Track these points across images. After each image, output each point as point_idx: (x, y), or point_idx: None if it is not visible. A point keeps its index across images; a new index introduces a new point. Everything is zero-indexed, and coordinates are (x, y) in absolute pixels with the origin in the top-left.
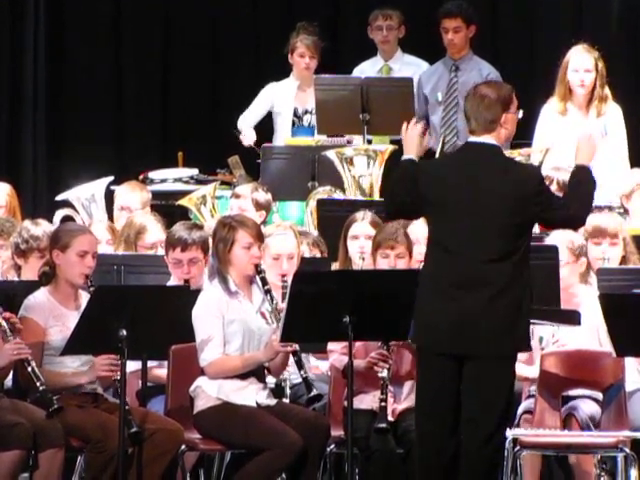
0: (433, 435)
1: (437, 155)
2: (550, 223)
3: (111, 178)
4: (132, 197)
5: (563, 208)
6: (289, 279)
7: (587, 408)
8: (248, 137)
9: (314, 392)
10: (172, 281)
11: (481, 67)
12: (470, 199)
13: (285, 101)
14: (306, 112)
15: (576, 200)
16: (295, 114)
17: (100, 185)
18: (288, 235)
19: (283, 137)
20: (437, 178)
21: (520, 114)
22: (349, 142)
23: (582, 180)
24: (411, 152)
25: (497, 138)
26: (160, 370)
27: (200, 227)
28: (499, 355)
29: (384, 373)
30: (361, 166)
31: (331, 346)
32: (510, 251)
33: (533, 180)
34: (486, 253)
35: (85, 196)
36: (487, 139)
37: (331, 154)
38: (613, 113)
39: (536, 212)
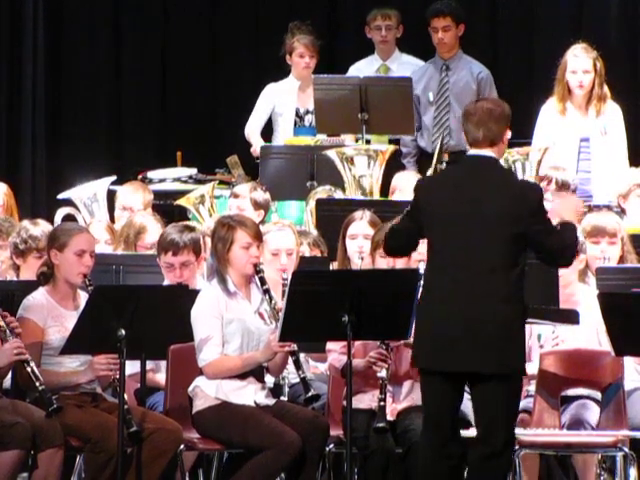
0: (436, 444)
1: (435, 158)
2: (541, 248)
3: (113, 178)
4: (134, 197)
5: (558, 236)
6: (288, 275)
7: (592, 417)
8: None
9: (312, 392)
10: (166, 284)
11: (472, 66)
12: (470, 213)
13: (286, 102)
14: (307, 112)
15: (567, 240)
16: (297, 114)
17: (102, 184)
18: (286, 231)
19: (283, 137)
20: (436, 192)
21: (509, 135)
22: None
23: (568, 229)
24: None
25: (498, 153)
26: (156, 375)
27: (192, 229)
28: (503, 372)
29: (383, 373)
30: (362, 166)
31: (330, 345)
32: (510, 266)
33: (534, 197)
34: (486, 268)
35: (87, 195)
36: (488, 152)
37: (332, 153)
38: (612, 112)
39: (533, 231)
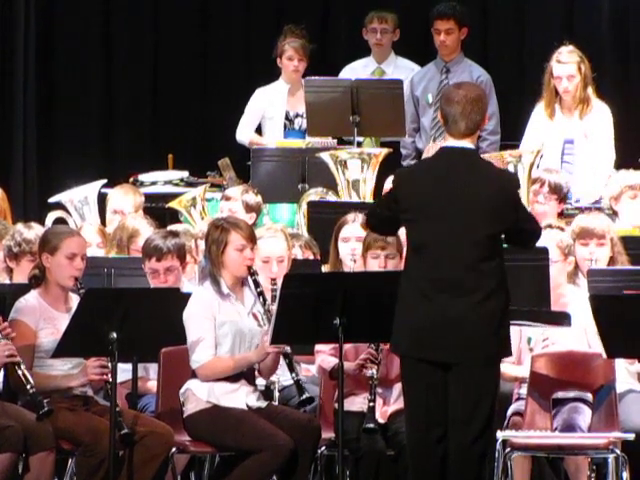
0: (426, 441)
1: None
2: (519, 234)
3: (104, 181)
4: (125, 200)
5: (534, 222)
6: (279, 282)
7: (585, 421)
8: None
9: (305, 395)
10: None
11: (472, 69)
12: (450, 205)
13: (276, 105)
14: (297, 116)
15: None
16: (286, 117)
17: (93, 188)
18: (278, 238)
19: (273, 141)
20: (417, 185)
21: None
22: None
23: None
24: None
25: (474, 141)
26: (147, 383)
27: (175, 234)
28: (485, 362)
29: (372, 373)
30: (355, 170)
31: (318, 347)
32: (492, 256)
33: (513, 187)
34: (469, 258)
35: (78, 198)
36: (466, 143)
37: (326, 156)
38: (597, 114)
39: (513, 219)
